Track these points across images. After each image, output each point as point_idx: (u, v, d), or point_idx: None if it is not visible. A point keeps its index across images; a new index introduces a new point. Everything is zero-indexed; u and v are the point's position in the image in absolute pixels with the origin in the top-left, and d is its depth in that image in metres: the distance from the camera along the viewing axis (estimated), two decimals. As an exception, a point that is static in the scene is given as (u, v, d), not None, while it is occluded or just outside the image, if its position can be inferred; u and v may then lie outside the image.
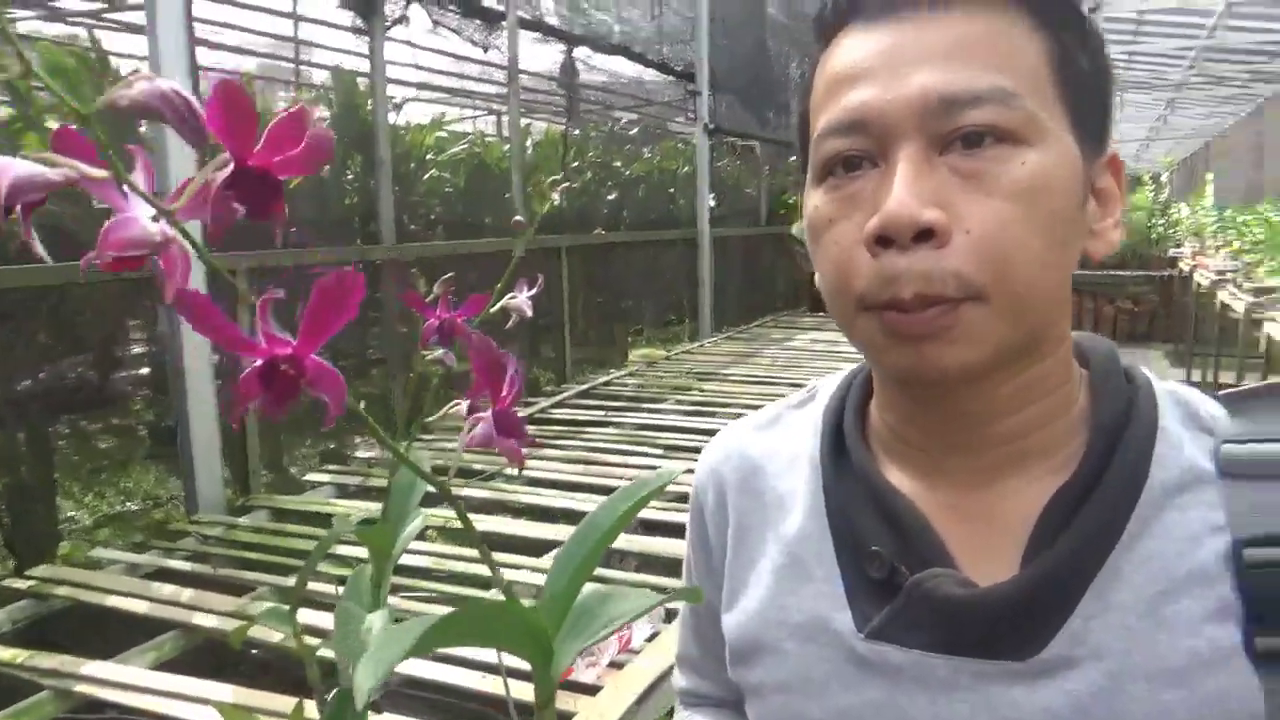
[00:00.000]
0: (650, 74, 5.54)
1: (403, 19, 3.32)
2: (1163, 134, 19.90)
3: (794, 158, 8.16)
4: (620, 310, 5.40)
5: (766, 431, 0.68)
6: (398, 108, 4.15)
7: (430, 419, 0.86)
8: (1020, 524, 0.54)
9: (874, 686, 0.55)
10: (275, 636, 1.78)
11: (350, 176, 4.02)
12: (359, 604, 0.99)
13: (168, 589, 2.07)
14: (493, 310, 0.90)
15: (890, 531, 0.57)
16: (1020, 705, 0.51)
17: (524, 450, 0.57)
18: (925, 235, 0.49)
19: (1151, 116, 17.03)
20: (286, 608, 1.01)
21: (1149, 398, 0.56)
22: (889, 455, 0.60)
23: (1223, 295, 5.18)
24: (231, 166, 0.42)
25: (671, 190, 6.28)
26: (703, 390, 3.99)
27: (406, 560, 2.15)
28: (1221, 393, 0.58)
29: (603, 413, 3.60)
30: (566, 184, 0.71)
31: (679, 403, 3.76)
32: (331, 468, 3.05)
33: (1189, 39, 11.02)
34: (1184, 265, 7.21)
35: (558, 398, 3.82)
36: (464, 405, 1.04)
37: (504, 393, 0.58)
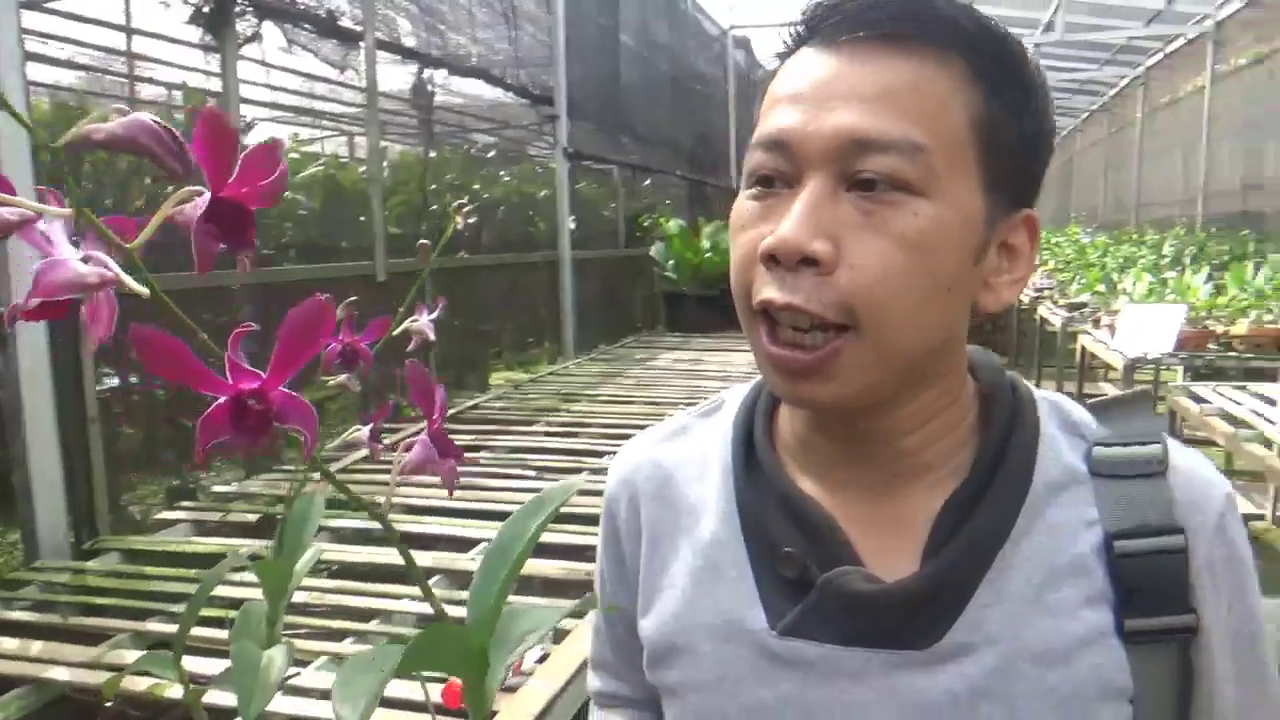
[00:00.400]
0: (509, 97, 5.55)
1: (256, 36, 3.22)
2: (982, 162, 21.40)
3: (648, 181, 8.32)
4: (482, 333, 5.35)
5: (676, 441, 0.71)
6: (249, 127, 3.99)
7: (330, 446, 0.87)
8: (920, 524, 0.58)
9: (788, 680, 0.58)
10: (139, 685, 1.69)
11: (197, 198, 3.83)
12: (253, 641, 0.97)
13: (11, 643, 1.92)
14: (395, 334, 0.91)
15: (801, 534, 0.60)
16: (924, 690, 0.55)
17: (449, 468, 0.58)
18: (811, 262, 0.52)
19: (972, 145, 18.30)
20: (167, 653, 0.98)
21: (1031, 407, 0.61)
22: (796, 462, 0.64)
23: (1042, 311, 5.63)
24: (209, 198, 0.41)
25: (531, 213, 6.29)
26: (571, 411, 4.01)
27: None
28: (1089, 401, 0.64)
29: (473, 437, 3.57)
30: (472, 206, 0.73)
31: (549, 424, 3.77)
32: (186, 504, 2.89)
33: (1003, 75, 11.96)
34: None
35: (424, 423, 3.76)
36: (364, 431, 1.04)
37: (435, 415, 0.60)
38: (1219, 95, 8.78)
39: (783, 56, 0.59)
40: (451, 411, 4.00)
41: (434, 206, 5.11)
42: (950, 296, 0.56)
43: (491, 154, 6.27)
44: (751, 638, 0.60)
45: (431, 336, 0.88)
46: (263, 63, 3.87)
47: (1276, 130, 7.28)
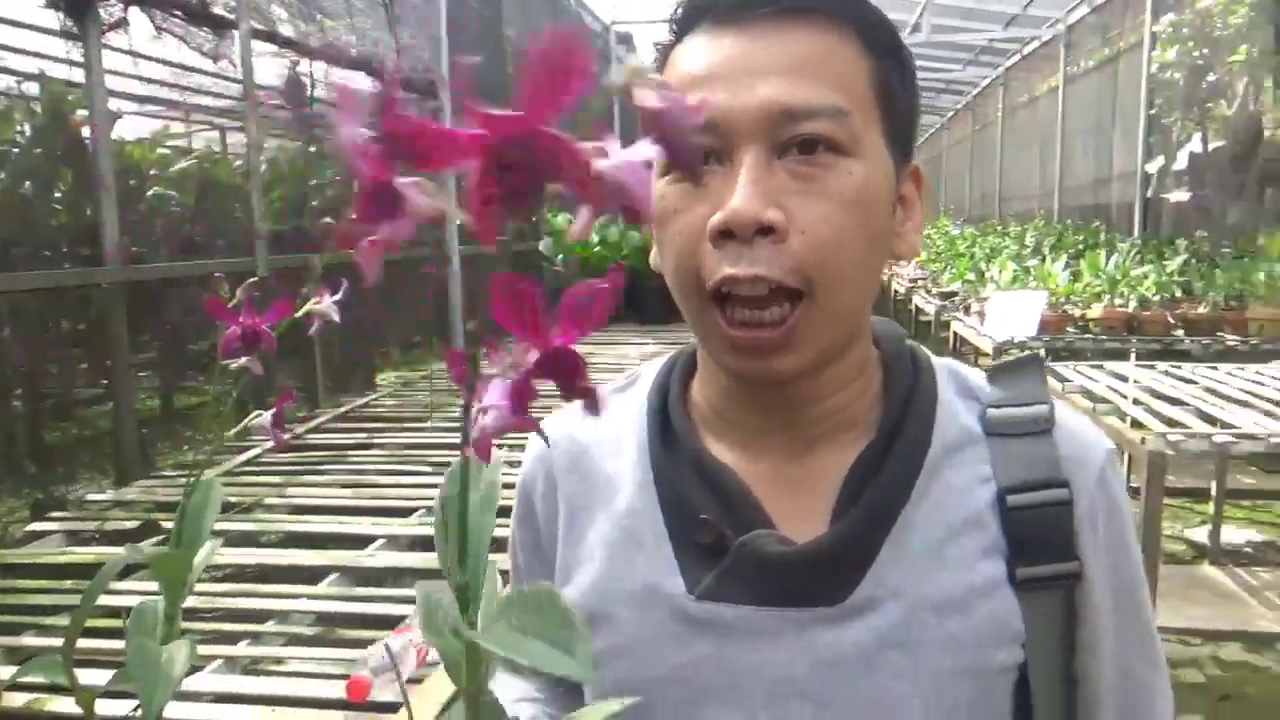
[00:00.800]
0: (390, 90, 5.42)
1: (122, 23, 3.05)
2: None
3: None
4: (368, 331, 5.24)
5: (591, 416, 0.73)
6: (115, 119, 3.80)
7: (231, 432, 0.86)
8: (829, 488, 0.61)
9: (705, 643, 0.60)
10: (16, 700, 1.60)
11: (57, 195, 3.62)
12: (150, 638, 0.96)
13: None
14: (297, 316, 0.90)
15: (716, 500, 0.61)
16: (834, 645, 0.58)
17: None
18: (765, 231, 0.54)
19: (848, 142, 19.02)
20: (55, 658, 0.96)
21: (929, 373, 0.64)
22: (711, 430, 0.65)
23: (917, 299, 5.89)
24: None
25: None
26: (464, 407, 3.98)
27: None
28: (984, 366, 0.68)
29: (364, 435, 3.51)
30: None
31: (444, 420, 3.73)
32: (57, 515, 2.75)
33: (876, 75, 12.40)
34: (883, 274, 8.09)
35: (313, 423, 3.66)
36: (266, 416, 1.02)
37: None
38: (1071, 95, 9.35)
39: (668, 46, 0.60)
40: (340, 411, 3.91)
41: (315, 202, 4.97)
42: (880, 250, 0.59)
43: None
44: (670, 603, 0.61)
45: (336, 317, 0.87)
46: (130, 52, 3.68)
47: (1121, 128, 7.81)
